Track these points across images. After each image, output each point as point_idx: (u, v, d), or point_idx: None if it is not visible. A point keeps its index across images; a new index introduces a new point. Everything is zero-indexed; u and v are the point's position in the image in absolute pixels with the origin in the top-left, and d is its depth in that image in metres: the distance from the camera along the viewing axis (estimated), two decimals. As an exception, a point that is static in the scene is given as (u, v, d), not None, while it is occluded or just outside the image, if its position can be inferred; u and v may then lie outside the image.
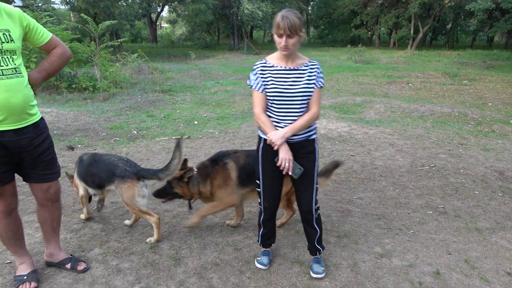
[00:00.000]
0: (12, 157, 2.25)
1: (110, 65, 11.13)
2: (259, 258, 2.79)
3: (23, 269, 2.49)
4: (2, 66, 2.08)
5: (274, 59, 2.43)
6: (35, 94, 2.31)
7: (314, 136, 2.51)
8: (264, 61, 2.43)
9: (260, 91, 2.39)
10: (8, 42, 2.11)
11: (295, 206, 3.04)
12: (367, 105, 8.93)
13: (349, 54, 20.59)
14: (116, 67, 11.08)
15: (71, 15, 25.97)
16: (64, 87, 10.19)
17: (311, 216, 2.60)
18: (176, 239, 3.09)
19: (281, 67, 2.39)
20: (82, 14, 11.20)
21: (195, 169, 3.07)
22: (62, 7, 28.36)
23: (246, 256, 2.89)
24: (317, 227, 2.65)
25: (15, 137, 2.18)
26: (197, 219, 3.13)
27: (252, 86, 2.42)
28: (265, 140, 2.45)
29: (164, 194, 3.09)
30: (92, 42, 10.82)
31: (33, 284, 2.43)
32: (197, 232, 3.22)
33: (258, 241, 2.84)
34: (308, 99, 2.38)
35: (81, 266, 2.63)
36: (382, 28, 31.69)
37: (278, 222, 3.30)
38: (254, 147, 5.70)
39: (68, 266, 2.63)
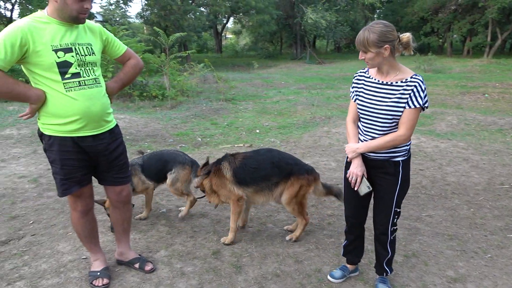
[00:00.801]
0: (91, 161, 2.42)
1: (178, 75, 11.68)
2: (333, 270, 2.72)
3: (97, 266, 2.67)
4: (85, 77, 2.26)
5: (374, 70, 2.32)
6: (111, 102, 2.50)
7: (400, 159, 2.30)
8: (364, 70, 2.37)
9: (353, 99, 2.39)
10: (90, 55, 2.29)
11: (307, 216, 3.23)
12: (437, 117, 8.42)
13: (417, 63, 19.63)
14: (184, 76, 11.60)
15: (144, 28, 27.77)
16: (136, 95, 10.87)
17: (385, 238, 2.47)
18: (237, 247, 3.12)
19: (375, 79, 2.29)
20: (154, 27, 11.94)
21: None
22: (137, 21, 30.47)
23: (307, 269, 2.83)
24: (389, 250, 2.50)
25: (93, 142, 2.35)
26: (233, 234, 3.17)
27: (350, 93, 2.45)
28: None
29: None
30: (163, 53, 11.46)
31: (105, 280, 2.59)
32: (258, 241, 3.23)
33: (342, 252, 2.77)
34: (395, 119, 2.21)
35: (148, 267, 2.75)
36: (455, 35, 29.86)
37: (288, 229, 3.42)
38: (315, 158, 5.61)
39: (137, 265, 2.76)
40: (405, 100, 2.17)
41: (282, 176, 3.05)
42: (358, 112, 2.35)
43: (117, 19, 29.40)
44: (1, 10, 25.03)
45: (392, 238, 2.47)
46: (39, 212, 3.78)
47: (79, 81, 2.23)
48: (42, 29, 2.12)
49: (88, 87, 2.27)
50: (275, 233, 3.39)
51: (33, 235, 3.37)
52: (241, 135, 7.26)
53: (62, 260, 2.93)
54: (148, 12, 25.19)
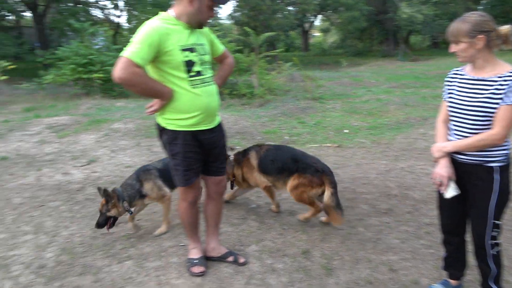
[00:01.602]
0: (204, 153, 2.60)
1: (266, 74, 11.89)
2: (434, 285, 2.53)
3: (195, 253, 2.84)
4: (204, 74, 2.44)
5: (468, 66, 2.20)
6: None
7: (495, 164, 2.09)
8: (459, 68, 2.25)
9: (444, 98, 2.28)
10: (206, 55, 2.49)
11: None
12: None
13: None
14: (272, 75, 11.77)
15: (235, 28, 28.79)
16: (226, 93, 11.33)
17: (483, 252, 2.23)
18: (327, 249, 3.08)
19: (467, 75, 2.15)
20: (245, 27, 12.30)
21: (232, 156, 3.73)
22: (227, 21, 31.71)
23: (402, 279, 2.68)
24: (492, 265, 2.24)
25: (209, 135, 2.55)
26: (277, 207, 3.74)
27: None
28: None
29: None
30: (252, 52, 11.76)
31: (202, 268, 2.74)
32: (348, 245, 3.14)
33: (442, 266, 2.57)
34: (487, 116, 2.03)
35: (241, 259, 2.85)
36: None
37: (300, 217, 3.52)
38: (411, 161, 5.28)
39: (230, 259, 2.85)
40: (500, 96, 1.98)
41: (292, 171, 3.36)
42: (448, 110, 2.21)
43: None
44: (110, 16, 27.93)
45: (494, 252, 2.21)
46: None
47: (201, 79, 2.42)
48: (171, 30, 2.32)
49: (208, 84, 2.47)
50: (367, 238, 3.27)
51: (138, 220, 3.71)
52: (328, 135, 7.13)
53: (163, 245, 3.18)
54: (239, 13, 26.04)
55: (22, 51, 17.90)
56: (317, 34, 43.92)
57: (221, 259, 2.89)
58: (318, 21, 39.65)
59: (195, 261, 2.79)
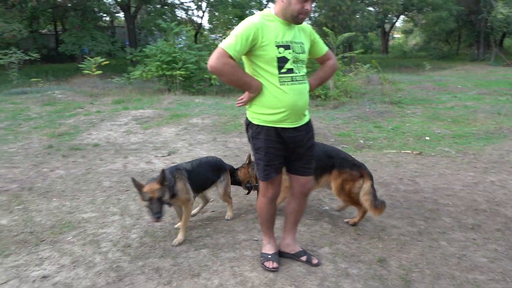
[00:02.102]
0: (287, 151, 2.62)
1: (343, 75, 11.62)
2: None
3: (269, 249, 2.87)
4: (296, 73, 2.44)
5: None
6: None
7: None
8: None
9: None
10: (302, 53, 2.48)
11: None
12: None
13: None
14: (349, 77, 11.47)
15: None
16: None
17: None
18: (405, 259, 2.93)
19: None
20: (324, 28, 12.14)
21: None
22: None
23: (492, 301, 2.46)
24: None
25: (293, 133, 2.53)
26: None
27: None
28: None
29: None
30: (330, 53, 11.55)
31: (275, 264, 2.77)
32: (429, 258, 2.95)
33: None
34: None
35: (315, 260, 2.82)
36: None
37: (350, 221, 3.47)
38: (502, 175, 4.83)
39: (303, 258, 2.84)
40: None
41: (324, 167, 3.33)
42: None
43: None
44: (193, 17, 29.34)
45: None
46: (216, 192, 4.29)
47: (291, 76, 2.43)
48: (268, 26, 2.40)
49: (298, 83, 2.46)
50: (450, 253, 3.04)
51: (213, 211, 3.85)
52: (407, 141, 6.77)
53: (237, 238, 3.26)
54: (317, 13, 25.76)
55: (115, 48, 19.54)
56: (398, 35, 41.88)
57: (294, 257, 2.88)
58: (399, 22, 37.82)
59: (269, 256, 2.82)
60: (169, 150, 6.04)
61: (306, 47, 2.53)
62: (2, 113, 8.61)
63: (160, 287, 2.61)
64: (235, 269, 2.80)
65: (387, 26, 33.91)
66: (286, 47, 2.40)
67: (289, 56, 2.40)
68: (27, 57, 12.72)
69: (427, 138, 6.93)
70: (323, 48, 2.68)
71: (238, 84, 2.46)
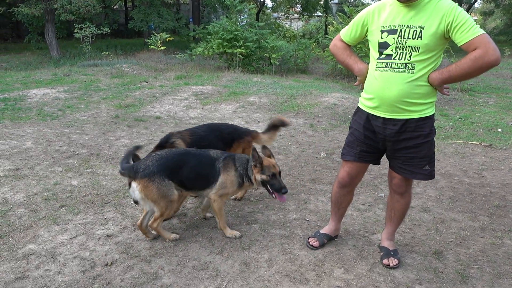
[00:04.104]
0: (377, 142, 2.47)
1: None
2: None
3: (324, 228, 2.88)
4: (395, 59, 2.23)
5: None
6: (445, 94, 2.37)
7: None
8: None
9: None
10: (414, 39, 2.17)
11: None
12: None
13: None
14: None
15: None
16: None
17: None
18: (464, 254, 2.78)
19: None
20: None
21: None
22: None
23: (560, 308, 2.27)
24: None
25: (383, 124, 2.36)
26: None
27: None
28: None
29: None
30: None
31: (317, 243, 2.77)
32: (490, 256, 2.78)
33: None
34: None
35: (387, 261, 2.60)
36: None
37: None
38: None
39: (382, 255, 2.67)
40: None
41: (227, 145, 3.41)
42: None
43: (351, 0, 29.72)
44: None
45: None
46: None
47: (387, 63, 2.26)
48: (384, 10, 2.32)
49: (392, 70, 2.24)
50: (515, 252, 2.84)
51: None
52: (476, 132, 6.30)
53: (288, 216, 3.29)
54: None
55: (179, 25, 20.03)
56: (475, 17, 38.55)
57: (382, 251, 2.71)
58: (478, 3, 34.69)
59: (317, 234, 2.83)
60: (226, 126, 6.16)
61: (429, 32, 2.15)
62: (76, 83, 9.27)
63: (212, 255, 2.72)
64: (285, 246, 2.84)
65: (464, 7, 31.26)
66: (392, 32, 2.23)
67: (391, 42, 2.24)
68: (99, 32, 13.48)
69: (500, 130, 6.40)
70: (465, 34, 2.08)
71: (343, 64, 2.61)
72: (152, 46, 12.32)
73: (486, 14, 34.84)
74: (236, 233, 2.95)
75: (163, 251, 2.75)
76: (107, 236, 2.93)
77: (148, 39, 13.10)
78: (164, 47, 12.40)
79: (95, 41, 15.80)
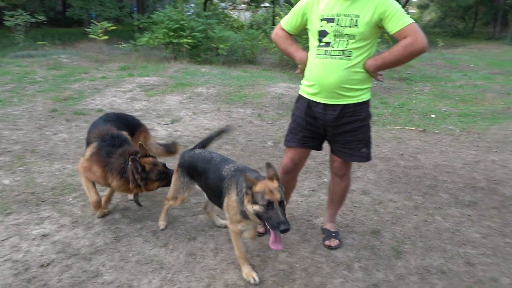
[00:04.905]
0: (318, 127, 2.53)
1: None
2: None
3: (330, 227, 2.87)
4: (333, 47, 2.31)
5: None
6: (380, 80, 2.47)
7: None
8: None
9: None
10: (350, 27, 2.26)
11: None
12: None
13: None
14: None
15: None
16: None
17: None
18: (399, 232, 2.97)
19: None
20: None
21: None
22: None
23: (480, 274, 2.49)
24: None
25: (323, 110, 2.44)
26: None
27: None
28: None
29: None
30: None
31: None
32: (423, 232, 2.99)
33: None
34: None
35: (333, 243, 2.71)
36: None
37: None
38: (505, 155, 4.80)
39: (324, 237, 2.79)
40: None
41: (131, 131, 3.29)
42: None
43: None
44: None
45: None
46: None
47: (326, 50, 2.35)
48: None
49: (331, 57, 2.33)
50: (444, 227, 3.07)
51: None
52: (413, 118, 6.70)
53: (234, 205, 3.31)
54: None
55: (122, 14, 19.19)
56: (412, 10, 40.67)
57: (324, 233, 2.82)
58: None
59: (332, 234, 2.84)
60: (172, 118, 6.05)
61: (364, 20, 2.24)
62: (7, 75, 8.60)
63: (157, 248, 2.67)
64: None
65: (402, 0, 32.83)
66: (330, 20, 2.31)
67: (329, 30, 2.31)
68: (33, 20, 12.58)
69: (433, 115, 6.85)
70: (397, 23, 2.20)
71: (285, 53, 2.67)
72: (92, 36, 11.71)
73: (422, 7, 36.90)
74: (253, 275, 2.39)
75: (104, 248, 2.66)
76: (43, 236, 2.77)
77: (88, 28, 12.44)
78: (106, 37, 11.83)
79: (30, 30, 14.71)
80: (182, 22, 11.33)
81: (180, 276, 2.40)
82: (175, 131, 5.45)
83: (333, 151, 2.63)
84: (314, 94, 2.46)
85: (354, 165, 4.16)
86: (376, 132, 5.64)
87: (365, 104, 2.46)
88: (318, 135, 2.58)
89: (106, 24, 11.88)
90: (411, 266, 2.55)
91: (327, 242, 2.72)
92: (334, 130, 2.49)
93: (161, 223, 2.94)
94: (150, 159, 2.87)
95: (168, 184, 2.86)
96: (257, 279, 2.35)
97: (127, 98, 7.17)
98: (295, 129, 2.61)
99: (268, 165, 2.25)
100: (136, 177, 2.75)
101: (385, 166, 4.30)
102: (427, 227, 3.07)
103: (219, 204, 2.47)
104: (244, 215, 2.22)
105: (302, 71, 2.57)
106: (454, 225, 3.11)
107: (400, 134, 5.63)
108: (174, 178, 2.78)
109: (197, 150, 2.76)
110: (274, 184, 2.14)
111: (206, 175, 2.53)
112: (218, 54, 12.06)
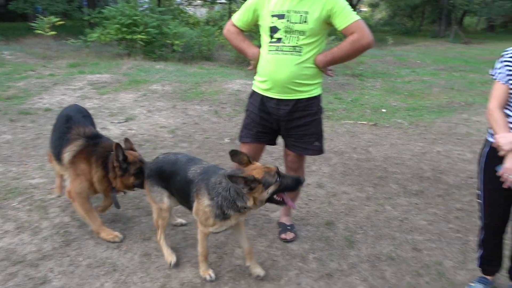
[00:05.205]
0: (271, 122, 2.55)
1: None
2: (472, 284, 2.36)
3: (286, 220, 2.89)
4: (284, 43, 2.35)
5: None
6: (330, 75, 2.56)
7: None
8: None
9: (502, 82, 2.01)
10: (300, 23, 2.30)
11: None
12: None
13: None
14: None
15: None
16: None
17: None
18: (351, 222, 3.07)
19: None
20: None
21: None
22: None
23: (426, 259, 2.64)
24: None
25: (276, 105, 2.48)
26: None
27: (494, 75, 2.06)
28: (491, 143, 2.05)
29: None
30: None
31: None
32: (374, 221, 3.12)
33: (477, 263, 2.40)
34: None
35: (288, 236, 2.76)
36: None
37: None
38: (448, 146, 5.10)
39: (280, 231, 2.84)
40: None
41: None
42: None
43: None
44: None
45: None
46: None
47: (277, 46, 2.38)
48: None
49: (282, 53, 2.36)
50: (393, 216, 3.22)
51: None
52: (365, 113, 6.95)
53: (190, 203, 3.27)
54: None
55: (71, 8, 18.27)
56: (364, 9, 42.10)
57: (280, 227, 2.87)
58: (368, -5, 37.89)
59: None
60: (126, 116, 5.87)
61: (313, 17, 2.29)
62: None
63: (109, 251, 2.59)
64: (187, 232, 2.83)
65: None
66: (280, 16, 2.34)
67: (280, 26, 2.35)
68: (-29, 14, 11.71)
69: (384, 110, 7.14)
70: (344, 20, 2.28)
71: (237, 49, 2.67)
72: (39, 31, 11.10)
73: (373, 6, 38.30)
74: (209, 272, 2.37)
75: (52, 253, 2.54)
76: (-16, 243, 2.60)
77: (34, 22, 11.76)
78: (54, 32, 11.26)
79: (-33, 24, 13.69)
80: (135, 17, 11.01)
81: (134, 277, 2.35)
82: (129, 129, 5.30)
83: (286, 145, 2.67)
84: (267, 90, 2.48)
85: (310, 159, 4.29)
86: (330, 127, 5.80)
87: (317, 98, 2.52)
88: (272, 130, 2.61)
89: (53, 18, 11.29)
90: (363, 254, 2.66)
91: (282, 236, 2.76)
92: (287, 124, 2.53)
93: (170, 258, 2.47)
94: (136, 153, 2.74)
95: (142, 185, 2.63)
96: (213, 275, 2.33)
97: (77, 97, 6.87)
98: (249, 125, 2.63)
99: (234, 152, 2.17)
100: (115, 164, 2.56)
101: (339, 160, 4.43)
102: (377, 216, 3.20)
103: (189, 207, 2.30)
104: (221, 217, 2.12)
105: (255, 67, 2.59)
106: (402, 214, 3.26)
107: (353, 128, 5.82)
108: (147, 194, 2.52)
109: (160, 155, 2.60)
110: (256, 163, 2.14)
111: (173, 179, 2.33)
112: (173, 51, 11.84)
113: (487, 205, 2.20)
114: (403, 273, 2.49)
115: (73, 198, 2.69)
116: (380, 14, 37.19)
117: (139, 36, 10.79)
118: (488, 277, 2.37)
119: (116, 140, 3.65)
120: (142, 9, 12.19)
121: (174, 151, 3.01)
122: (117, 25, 10.93)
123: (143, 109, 6.32)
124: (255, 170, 2.04)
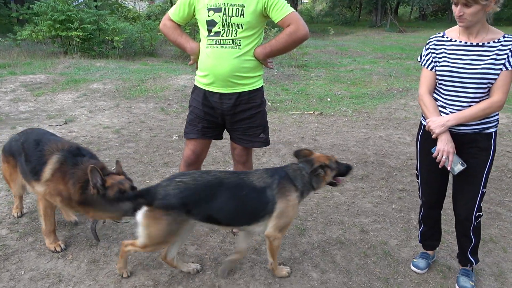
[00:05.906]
0: (216, 117, 2.52)
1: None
2: (415, 260, 2.50)
3: None
4: (223, 36, 2.33)
5: (454, 32, 2.07)
6: (270, 67, 2.56)
7: (492, 130, 2.08)
8: (440, 34, 2.12)
9: (429, 68, 2.12)
10: (237, 17, 2.31)
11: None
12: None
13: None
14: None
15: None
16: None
17: (469, 224, 2.20)
18: (302, 211, 3.15)
19: (460, 42, 2.03)
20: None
21: None
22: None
23: (372, 240, 2.78)
24: (473, 237, 2.25)
25: (219, 99, 2.45)
26: None
27: (421, 62, 2.18)
28: (425, 126, 2.15)
29: None
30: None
31: None
32: (323, 208, 3.22)
33: (418, 239, 2.56)
34: (489, 83, 1.96)
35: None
36: None
37: None
38: (389, 130, 5.37)
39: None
40: (502, 62, 1.94)
41: None
42: (441, 81, 2.08)
43: None
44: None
45: (476, 224, 2.20)
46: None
47: (216, 40, 2.35)
48: None
49: (222, 47, 2.34)
50: (341, 201, 3.34)
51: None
52: (311, 103, 7.13)
53: (139, 205, 3.17)
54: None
55: (-4, 4, 16.93)
56: (306, 0, 43.00)
57: None
58: (307, -13, 38.70)
59: None
60: (65, 118, 5.56)
61: (249, 9, 2.29)
62: None
63: (54, 261, 2.45)
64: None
65: (295, -9, 34.44)
66: (217, 10, 2.31)
67: (217, 19, 2.32)
68: None
69: (329, 99, 7.37)
70: (279, 12, 2.31)
71: (175, 44, 2.61)
72: (-41, 30, 10.12)
73: (314, -2, 39.22)
74: (287, 269, 2.43)
75: (-11, 269, 2.35)
76: None
77: (-47, 21, 10.72)
78: (-23, 31, 10.33)
79: None
80: (69, 13, 10.38)
81: (82, 286, 2.24)
82: (69, 132, 5.03)
83: (233, 139, 2.67)
84: (209, 84, 2.46)
85: (259, 151, 4.34)
86: (278, 118, 5.89)
87: (259, 91, 2.54)
88: (217, 124, 2.60)
89: (-25, 16, 10.35)
90: (314, 241, 2.74)
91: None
92: (232, 118, 2.53)
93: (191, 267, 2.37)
94: (119, 177, 2.37)
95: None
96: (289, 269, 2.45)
97: (9, 100, 6.39)
98: (194, 121, 2.59)
99: (297, 152, 2.40)
100: (92, 190, 2.25)
101: (288, 150, 4.51)
102: (327, 203, 3.30)
103: (254, 219, 2.17)
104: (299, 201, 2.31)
105: (195, 62, 2.56)
106: (350, 198, 3.40)
107: (301, 119, 5.95)
108: (163, 226, 2.06)
109: (185, 179, 2.12)
110: (316, 153, 2.40)
111: (225, 196, 2.10)
112: (114, 47, 11.35)
113: (424, 184, 2.35)
114: (352, 256, 2.59)
115: (41, 198, 2.47)
116: (321, 5, 38.16)
117: (74, 32, 10.21)
118: (429, 252, 2.54)
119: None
120: (76, 3, 11.53)
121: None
122: (49, 22, 10.27)
123: (84, 109, 6.02)
124: (322, 158, 2.33)
